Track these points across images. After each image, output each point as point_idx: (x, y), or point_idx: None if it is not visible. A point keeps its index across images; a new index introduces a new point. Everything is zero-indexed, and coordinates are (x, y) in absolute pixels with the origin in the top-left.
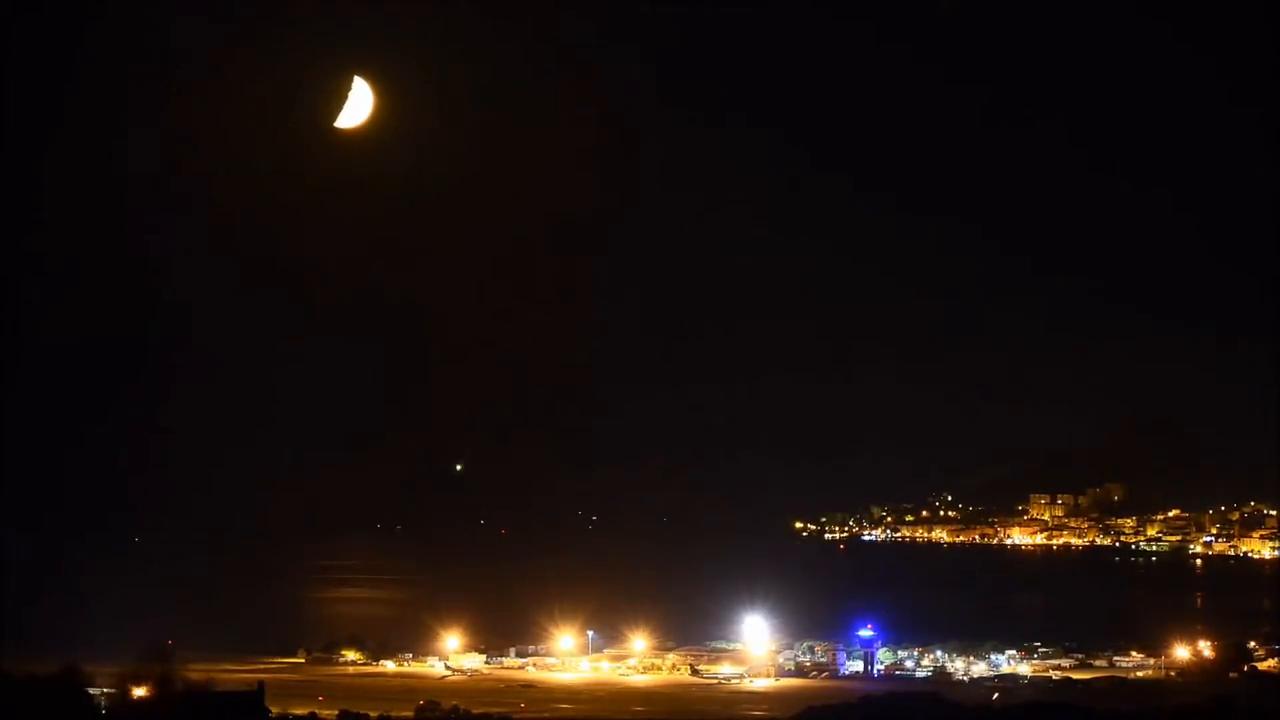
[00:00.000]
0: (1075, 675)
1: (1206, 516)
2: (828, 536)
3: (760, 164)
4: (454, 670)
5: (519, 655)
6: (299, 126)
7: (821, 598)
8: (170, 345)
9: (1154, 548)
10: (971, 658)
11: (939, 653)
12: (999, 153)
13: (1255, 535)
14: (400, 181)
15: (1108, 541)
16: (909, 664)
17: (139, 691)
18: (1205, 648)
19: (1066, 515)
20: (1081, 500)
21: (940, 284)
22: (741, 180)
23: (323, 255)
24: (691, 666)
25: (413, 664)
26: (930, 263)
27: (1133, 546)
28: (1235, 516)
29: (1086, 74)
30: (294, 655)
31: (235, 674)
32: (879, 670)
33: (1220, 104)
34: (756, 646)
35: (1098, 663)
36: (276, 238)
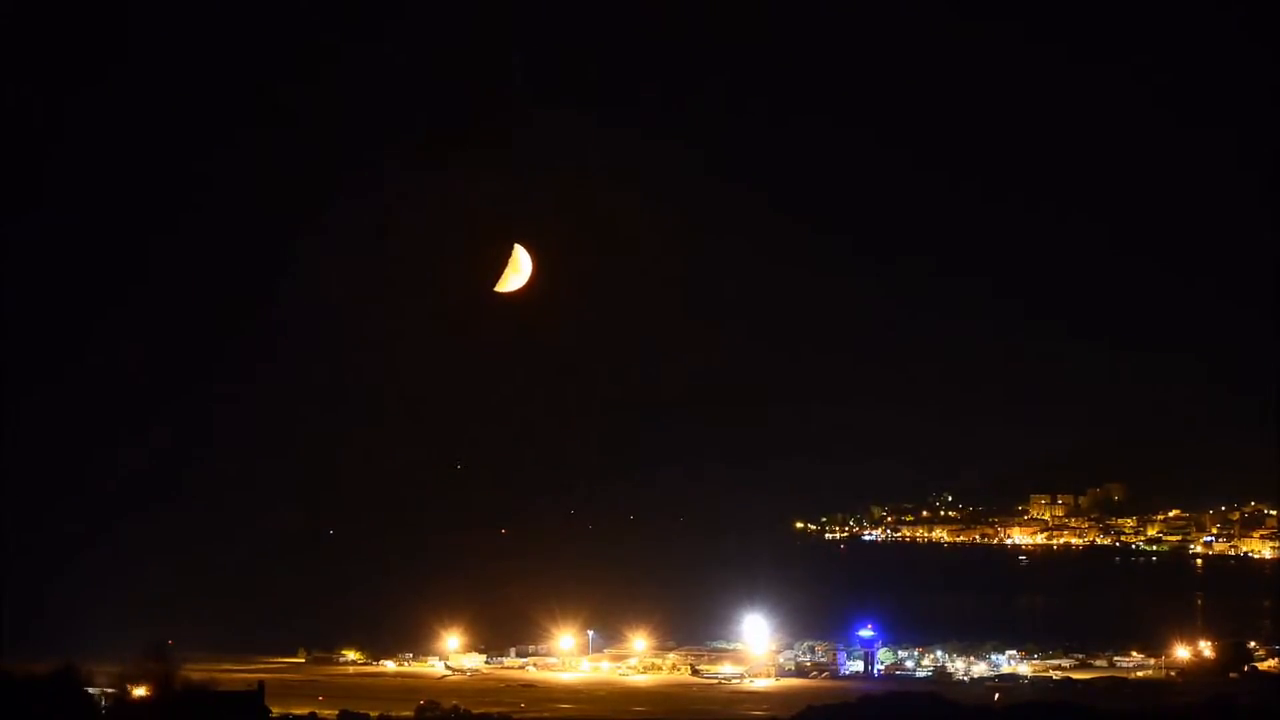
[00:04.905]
0: (1075, 675)
1: (1206, 516)
2: (828, 536)
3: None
4: (454, 670)
5: (519, 655)
6: (462, 290)
7: (822, 598)
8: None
9: (1154, 548)
10: (971, 658)
11: (939, 653)
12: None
13: (1255, 535)
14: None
15: (1108, 541)
16: (909, 664)
17: (139, 691)
18: (1205, 648)
19: (1066, 515)
20: (1081, 500)
21: (940, 290)
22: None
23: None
24: (692, 666)
25: (413, 664)
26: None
27: (1133, 546)
28: (1235, 516)
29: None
30: (294, 655)
31: (235, 674)
32: (879, 670)
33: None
34: (756, 646)
35: (1098, 663)
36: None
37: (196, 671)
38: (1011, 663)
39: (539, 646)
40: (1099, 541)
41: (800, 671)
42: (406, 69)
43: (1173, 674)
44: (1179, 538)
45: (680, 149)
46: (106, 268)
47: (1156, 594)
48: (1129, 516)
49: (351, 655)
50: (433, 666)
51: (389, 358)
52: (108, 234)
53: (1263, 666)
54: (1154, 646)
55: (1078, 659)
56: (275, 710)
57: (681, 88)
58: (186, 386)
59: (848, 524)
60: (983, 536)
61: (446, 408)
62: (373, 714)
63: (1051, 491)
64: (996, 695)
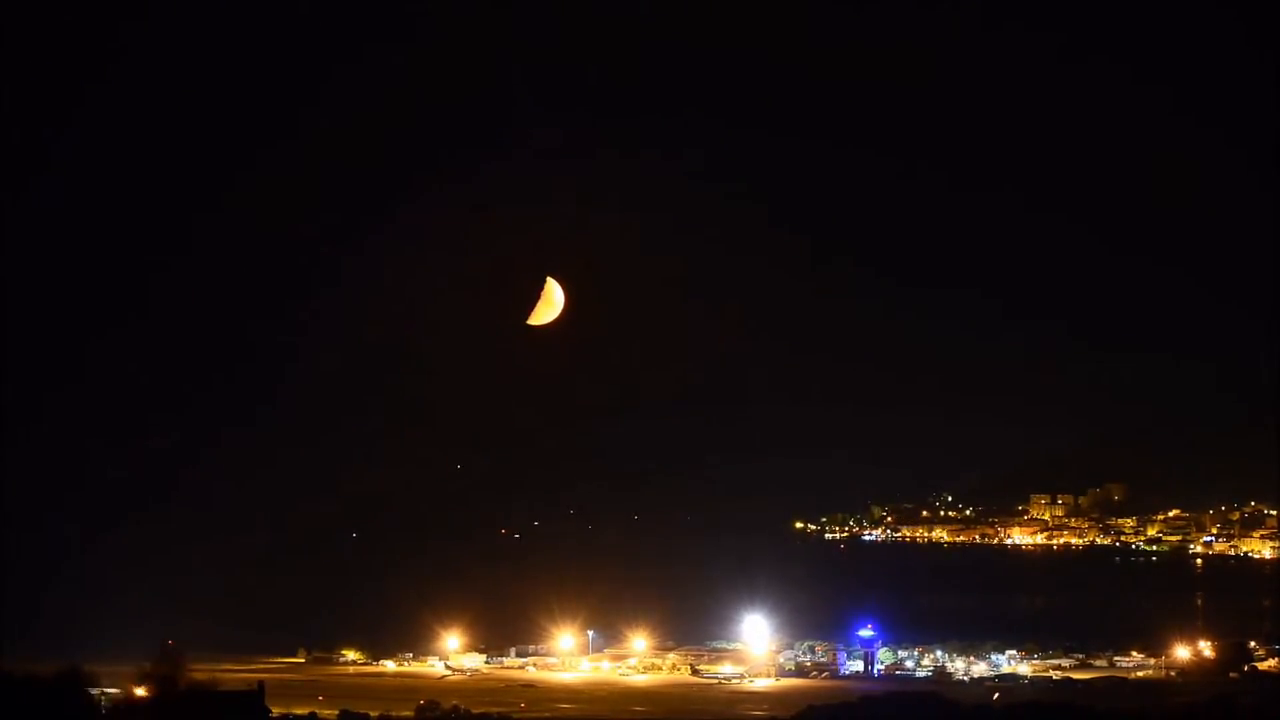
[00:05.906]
0: (1075, 675)
1: (1206, 516)
2: (828, 536)
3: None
4: (454, 670)
5: (519, 655)
6: (496, 323)
7: (822, 597)
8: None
9: (1154, 548)
10: (971, 658)
11: (939, 653)
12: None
13: (1255, 535)
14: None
15: (1108, 541)
16: (909, 664)
17: (140, 691)
18: (1205, 648)
19: (1066, 515)
20: (1081, 500)
21: (940, 291)
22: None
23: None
24: (692, 666)
25: (413, 664)
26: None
27: (1133, 546)
28: (1235, 516)
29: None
30: (294, 655)
31: (235, 674)
32: (879, 670)
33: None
34: (757, 646)
35: (1098, 663)
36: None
37: (197, 671)
38: (1011, 663)
39: (539, 646)
40: (1099, 541)
41: (800, 671)
42: (409, 85)
43: (1173, 674)
44: (1179, 538)
45: (681, 154)
46: (109, 268)
47: (1157, 594)
48: (1129, 516)
49: (351, 655)
50: (433, 666)
51: (397, 364)
52: (109, 234)
53: (1263, 666)
54: (1154, 646)
55: (1078, 659)
56: (275, 710)
57: (681, 97)
58: (188, 388)
59: (848, 524)
60: (983, 536)
61: (450, 413)
62: (373, 714)
63: (1051, 491)
64: (996, 695)
